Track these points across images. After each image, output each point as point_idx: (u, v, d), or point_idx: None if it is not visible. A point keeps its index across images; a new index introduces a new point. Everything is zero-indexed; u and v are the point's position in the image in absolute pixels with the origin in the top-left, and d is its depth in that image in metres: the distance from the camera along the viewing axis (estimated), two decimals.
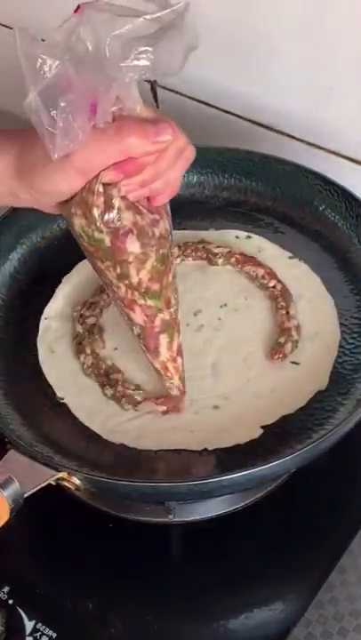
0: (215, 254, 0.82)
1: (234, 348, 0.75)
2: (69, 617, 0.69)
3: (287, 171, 0.85)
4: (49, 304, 0.80)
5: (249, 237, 0.84)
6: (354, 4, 0.76)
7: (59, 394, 0.74)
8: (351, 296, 0.78)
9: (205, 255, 0.82)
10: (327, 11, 0.78)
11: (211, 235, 0.85)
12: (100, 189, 0.61)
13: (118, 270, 0.64)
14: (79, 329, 0.77)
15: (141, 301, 0.66)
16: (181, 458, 0.68)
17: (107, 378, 0.73)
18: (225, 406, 0.71)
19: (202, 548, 0.73)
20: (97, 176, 0.61)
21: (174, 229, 0.67)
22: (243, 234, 0.85)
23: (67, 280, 0.82)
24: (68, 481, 0.64)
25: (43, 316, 0.80)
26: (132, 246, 0.63)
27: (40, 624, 0.68)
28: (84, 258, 0.80)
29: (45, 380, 0.74)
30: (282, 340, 0.74)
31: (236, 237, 0.84)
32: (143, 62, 0.56)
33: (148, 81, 0.98)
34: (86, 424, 0.71)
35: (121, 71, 0.56)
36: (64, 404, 0.73)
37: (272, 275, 0.79)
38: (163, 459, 0.68)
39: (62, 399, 0.73)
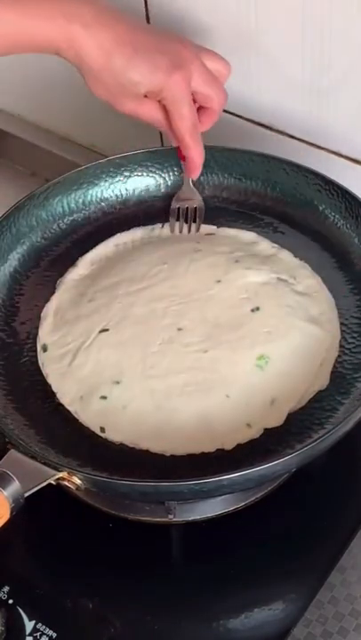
0: None
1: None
2: (69, 617, 0.69)
3: (287, 171, 0.85)
4: (48, 304, 0.80)
5: None
6: (354, 4, 0.76)
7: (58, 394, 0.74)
8: (351, 296, 0.78)
9: None
10: (327, 10, 0.78)
11: None
12: None
13: None
14: None
15: None
16: (182, 458, 0.68)
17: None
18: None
19: (202, 548, 0.73)
20: None
21: None
22: None
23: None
24: (68, 481, 0.64)
25: (43, 316, 0.79)
26: None
27: (40, 624, 0.68)
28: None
29: (45, 379, 0.74)
30: None
31: None
32: None
33: None
34: (86, 424, 0.71)
35: None
36: (64, 404, 0.73)
37: None
38: (163, 459, 0.68)
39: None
